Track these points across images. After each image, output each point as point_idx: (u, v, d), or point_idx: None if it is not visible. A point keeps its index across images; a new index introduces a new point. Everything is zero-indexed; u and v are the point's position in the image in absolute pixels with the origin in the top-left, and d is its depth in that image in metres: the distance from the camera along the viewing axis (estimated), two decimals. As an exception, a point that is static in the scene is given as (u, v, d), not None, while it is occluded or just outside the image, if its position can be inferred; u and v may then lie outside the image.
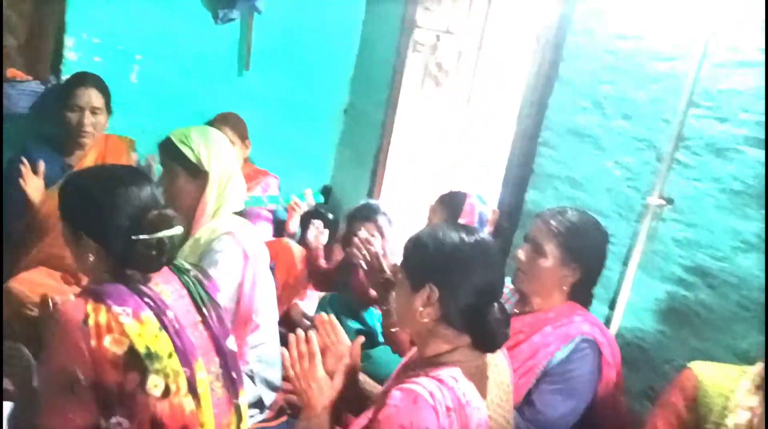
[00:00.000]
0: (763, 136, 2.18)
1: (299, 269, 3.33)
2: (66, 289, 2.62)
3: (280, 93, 4.03)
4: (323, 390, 1.51)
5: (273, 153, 3.95)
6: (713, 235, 2.29)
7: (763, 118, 2.18)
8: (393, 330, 2.33)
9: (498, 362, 1.63)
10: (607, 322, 2.52)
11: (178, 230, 1.59)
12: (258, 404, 2.46)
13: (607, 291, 2.58)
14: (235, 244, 2.27)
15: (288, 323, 3.25)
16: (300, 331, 1.53)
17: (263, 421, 2.51)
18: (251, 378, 2.41)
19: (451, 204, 2.72)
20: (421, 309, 1.54)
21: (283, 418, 2.74)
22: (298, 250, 3.35)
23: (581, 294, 2.17)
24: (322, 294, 3.39)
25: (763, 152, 2.17)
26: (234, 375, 1.67)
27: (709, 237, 2.30)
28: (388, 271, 2.35)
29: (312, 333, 1.55)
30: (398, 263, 2.40)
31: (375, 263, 2.35)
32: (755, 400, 1.51)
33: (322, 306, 3.18)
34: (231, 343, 1.70)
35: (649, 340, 2.44)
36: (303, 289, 3.50)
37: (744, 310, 2.17)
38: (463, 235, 1.56)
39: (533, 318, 2.11)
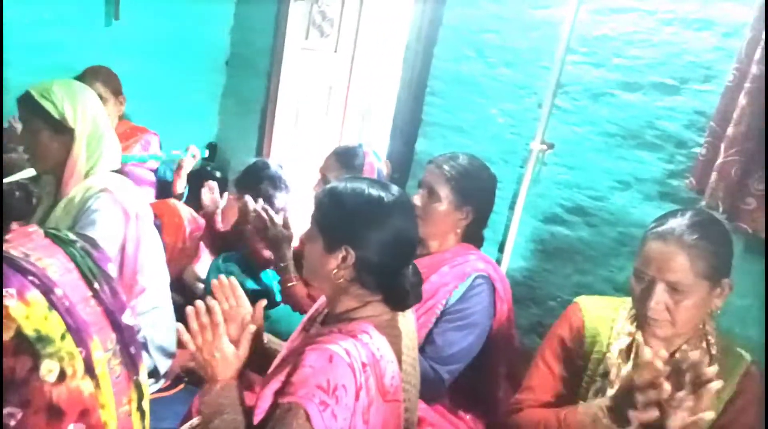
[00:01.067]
0: (635, 79, 2.31)
1: (189, 231, 3.22)
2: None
3: (155, 44, 3.79)
4: (229, 361, 1.43)
5: (151, 108, 3.73)
6: (591, 176, 2.43)
7: (635, 63, 2.31)
8: (290, 285, 2.33)
9: (406, 312, 1.64)
10: (498, 263, 2.64)
11: (30, 172, 1.45)
12: (153, 373, 2.37)
13: (496, 234, 2.69)
14: (114, 202, 2.13)
15: (181, 288, 3.16)
16: (200, 303, 1.45)
17: (159, 390, 2.43)
18: (144, 345, 2.33)
19: (346, 158, 2.71)
20: (335, 270, 1.50)
21: (181, 386, 2.68)
22: (186, 211, 3.22)
23: (474, 236, 2.24)
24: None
25: (636, 95, 2.31)
26: (132, 350, 1.59)
27: (587, 178, 2.44)
28: (281, 228, 2.34)
29: (214, 303, 1.45)
30: (288, 218, 2.40)
31: (267, 220, 2.33)
32: (633, 327, 1.63)
33: (215, 268, 3.11)
34: (127, 318, 1.61)
35: (536, 279, 2.59)
36: (195, 252, 3.39)
37: (621, 246, 2.34)
38: (382, 194, 1.50)
39: (431, 259, 2.16)
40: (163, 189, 3.50)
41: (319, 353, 1.40)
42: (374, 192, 1.50)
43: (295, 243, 2.44)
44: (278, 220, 2.35)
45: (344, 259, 1.49)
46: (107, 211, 2.10)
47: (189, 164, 3.43)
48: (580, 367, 1.68)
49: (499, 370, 2.19)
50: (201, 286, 3.25)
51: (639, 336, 1.61)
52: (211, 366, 1.43)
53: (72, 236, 1.59)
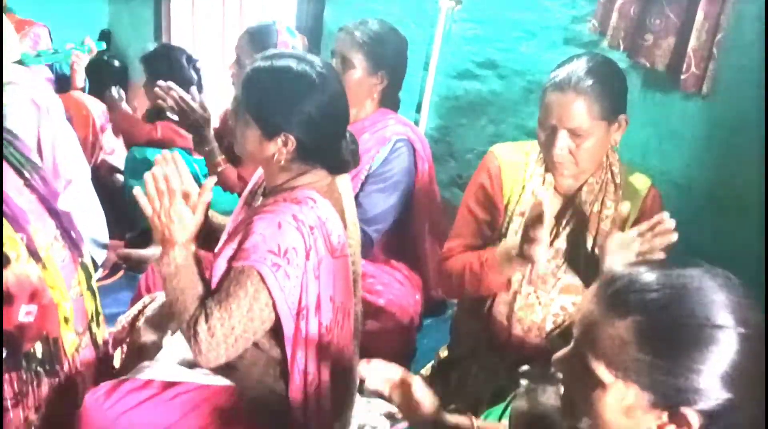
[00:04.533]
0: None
1: (99, 125, 3.12)
2: None
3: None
4: (185, 223, 1.44)
5: (35, -1, 3.47)
6: (499, 29, 2.48)
7: None
8: (219, 169, 2.32)
9: (341, 176, 1.69)
10: (415, 124, 2.70)
11: None
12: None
13: (411, 95, 2.74)
14: (23, 94, 2.05)
15: (98, 181, 3.09)
16: (157, 170, 1.43)
17: (98, 279, 2.46)
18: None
19: (260, 37, 2.62)
20: (276, 155, 1.51)
21: (120, 273, 2.71)
22: (93, 104, 3.11)
23: (390, 100, 2.29)
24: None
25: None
26: (73, 234, 1.61)
27: (495, 31, 2.49)
28: (200, 111, 2.29)
29: (170, 170, 1.43)
30: (204, 100, 2.35)
31: (184, 106, 2.27)
32: (543, 169, 1.76)
33: (131, 158, 3.03)
34: (62, 204, 1.61)
35: (453, 135, 2.69)
36: (105, 145, 3.30)
37: (530, 93, 2.44)
38: (309, 70, 1.48)
39: (351, 128, 2.20)
40: (61, 84, 3.33)
41: (268, 221, 1.45)
42: (302, 68, 1.48)
43: (214, 124, 2.41)
44: (195, 104, 2.30)
45: (284, 143, 1.50)
46: (17, 105, 2.02)
47: (86, 58, 3.26)
48: (500, 209, 1.80)
49: (424, 224, 2.31)
50: (120, 178, 3.19)
51: (549, 176, 1.73)
52: (168, 229, 1.44)
53: (-11, 126, 1.54)
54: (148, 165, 2.76)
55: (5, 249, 1.44)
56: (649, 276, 0.92)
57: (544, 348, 1.71)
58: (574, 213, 1.73)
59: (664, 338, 0.87)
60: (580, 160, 1.64)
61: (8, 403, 1.51)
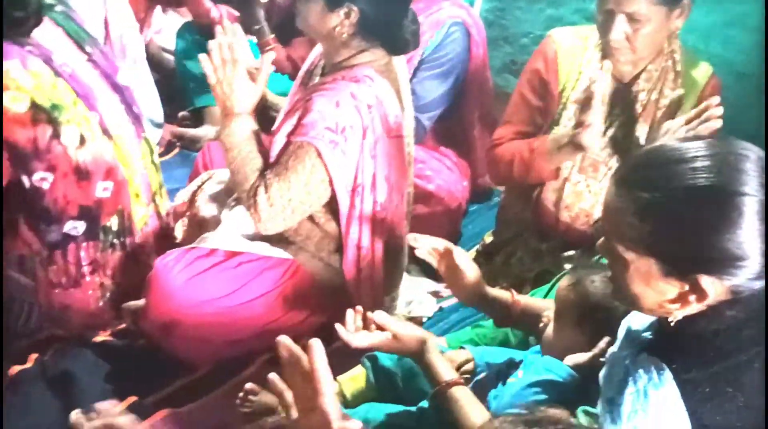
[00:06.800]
0: None
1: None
2: None
3: None
4: (246, 94, 1.48)
5: None
6: None
7: None
8: (268, 49, 2.29)
9: (398, 57, 1.67)
10: (470, 6, 2.62)
11: None
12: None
13: (466, -25, 2.63)
14: None
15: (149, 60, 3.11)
16: (221, 39, 1.44)
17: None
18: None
19: None
20: (338, 28, 1.51)
21: (175, 151, 2.79)
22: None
23: (444, -20, 2.21)
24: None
25: None
26: (135, 109, 1.67)
27: None
28: None
29: (231, 40, 1.44)
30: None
31: None
32: (600, 54, 1.72)
33: (181, 34, 3.02)
34: (122, 78, 1.65)
35: (509, 18, 2.61)
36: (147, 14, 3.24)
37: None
38: None
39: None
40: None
41: (327, 99, 1.48)
42: None
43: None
44: None
45: (347, 15, 1.50)
46: None
47: None
48: (554, 96, 1.78)
49: (475, 111, 2.30)
50: (167, 56, 3.19)
51: (606, 63, 1.69)
52: (229, 99, 1.48)
53: (50, 0, 1.56)
54: (201, 44, 2.79)
55: (82, 128, 1.50)
56: (659, 151, 0.94)
57: (590, 235, 1.75)
58: (630, 101, 1.71)
59: (670, 209, 0.88)
60: (637, 46, 1.60)
61: (85, 270, 1.63)
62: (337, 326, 1.25)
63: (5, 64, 1.42)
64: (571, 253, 1.80)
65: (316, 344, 0.89)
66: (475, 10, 2.61)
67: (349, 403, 1.43)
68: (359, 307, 1.28)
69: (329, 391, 0.88)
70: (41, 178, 1.48)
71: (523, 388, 1.19)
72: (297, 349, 0.91)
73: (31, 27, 1.47)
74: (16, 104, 1.42)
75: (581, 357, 1.19)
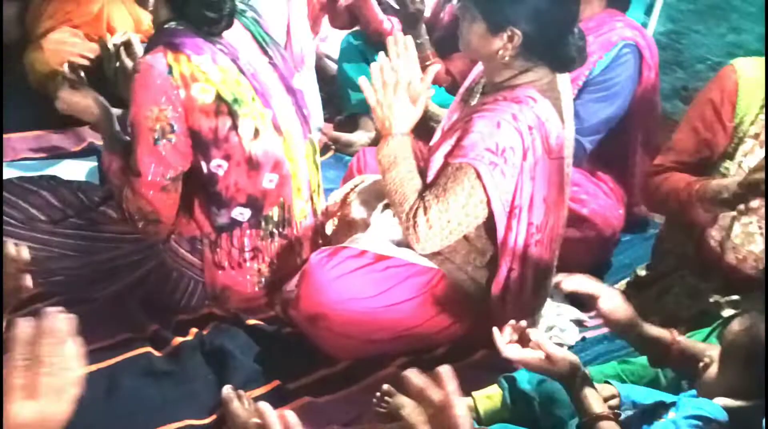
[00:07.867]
0: None
1: (318, 6, 3.22)
2: (91, 46, 2.60)
3: None
4: (406, 116, 1.50)
5: None
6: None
7: None
8: (428, 64, 2.34)
9: (562, 75, 1.64)
10: (644, 27, 2.53)
11: None
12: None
13: (642, -4, 2.54)
14: None
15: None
16: (384, 59, 1.51)
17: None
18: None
19: None
20: (500, 51, 1.51)
21: (330, 153, 2.91)
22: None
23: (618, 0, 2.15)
24: (343, 32, 3.31)
25: None
26: (305, 111, 1.77)
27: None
28: (418, 3, 2.30)
29: (397, 64, 1.49)
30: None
31: None
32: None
33: (347, 42, 3.13)
34: (297, 82, 1.76)
35: (684, 41, 2.48)
36: (316, 23, 3.40)
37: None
38: None
39: (575, 26, 2.12)
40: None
41: (487, 120, 1.48)
42: None
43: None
44: None
45: (510, 38, 1.49)
46: None
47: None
48: (726, 129, 1.67)
49: (638, 135, 2.20)
50: (329, 63, 3.32)
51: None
52: (388, 120, 1.51)
53: (242, 5, 1.70)
54: (363, 51, 2.87)
55: (258, 123, 1.62)
56: None
57: (757, 279, 1.63)
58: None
59: None
60: None
61: (247, 255, 1.75)
62: (495, 330, 1.25)
63: (197, 59, 1.55)
64: (735, 297, 1.68)
65: (445, 370, 0.86)
66: (648, 31, 2.52)
67: (482, 421, 1.42)
68: (522, 322, 1.28)
69: (462, 406, 0.87)
70: (217, 165, 1.62)
71: (677, 420, 1.13)
72: (424, 380, 0.88)
73: (223, 28, 1.61)
74: (203, 95, 1.55)
75: (734, 402, 1.11)
